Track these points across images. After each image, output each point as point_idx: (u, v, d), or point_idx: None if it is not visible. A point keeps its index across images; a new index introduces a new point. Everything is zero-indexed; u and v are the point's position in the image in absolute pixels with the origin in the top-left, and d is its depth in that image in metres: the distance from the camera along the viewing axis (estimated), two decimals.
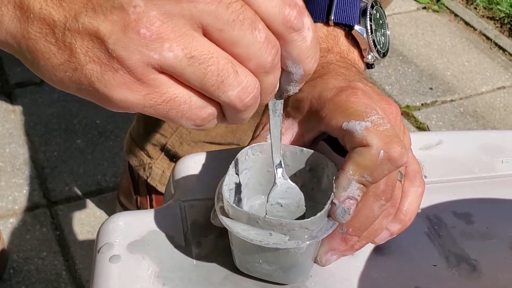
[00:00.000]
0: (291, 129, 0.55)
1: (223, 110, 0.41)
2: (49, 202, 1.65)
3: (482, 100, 2.22)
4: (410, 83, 2.25)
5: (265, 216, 0.47)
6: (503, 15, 2.64)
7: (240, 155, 0.53)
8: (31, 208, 1.63)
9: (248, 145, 0.55)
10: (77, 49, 0.37)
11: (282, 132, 0.53)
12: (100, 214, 1.64)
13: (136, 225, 0.57)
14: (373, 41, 0.64)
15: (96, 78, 0.37)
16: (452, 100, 2.20)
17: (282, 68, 0.42)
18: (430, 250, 0.58)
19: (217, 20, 0.37)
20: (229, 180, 0.51)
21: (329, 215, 0.49)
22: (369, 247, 0.57)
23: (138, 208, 1.45)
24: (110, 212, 1.61)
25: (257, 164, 0.54)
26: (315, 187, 0.54)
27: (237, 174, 0.53)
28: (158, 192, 1.37)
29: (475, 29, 2.58)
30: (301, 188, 0.53)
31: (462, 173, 0.67)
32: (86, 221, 1.62)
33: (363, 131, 0.48)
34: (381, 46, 0.66)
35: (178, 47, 0.37)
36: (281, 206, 0.51)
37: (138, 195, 1.44)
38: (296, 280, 0.53)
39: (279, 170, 0.50)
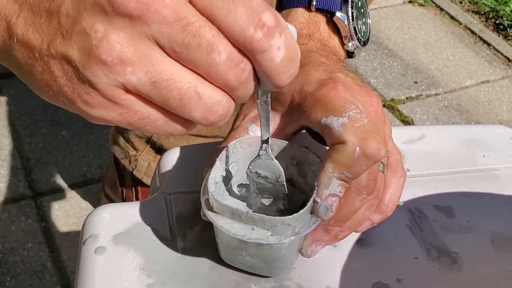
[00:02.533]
0: (272, 121, 0.55)
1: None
2: (34, 193, 1.65)
3: (466, 94, 2.23)
4: (395, 77, 2.26)
5: (247, 212, 0.48)
6: (488, 9, 2.65)
7: (228, 148, 0.53)
8: (16, 199, 1.63)
9: (228, 135, 0.56)
10: (55, 72, 0.38)
11: None
12: (86, 205, 1.64)
13: (121, 217, 0.58)
14: (354, 28, 0.64)
15: (74, 98, 0.39)
16: (436, 94, 2.21)
17: None
18: (411, 243, 0.59)
19: (173, 42, 0.37)
20: (215, 173, 0.52)
21: (312, 212, 0.50)
22: (352, 239, 0.58)
23: (123, 200, 1.45)
24: (96, 203, 1.61)
25: (245, 158, 0.54)
26: (301, 181, 0.55)
27: (225, 167, 0.53)
28: (143, 184, 1.37)
29: (460, 23, 2.59)
30: (288, 181, 0.53)
31: (444, 167, 0.68)
32: (71, 212, 1.62)
33: (340, 127, 0.49)
34: (362, 34, 0.66)
35: (141, 71, 0.37)
36: (260, 176, 0.52)
37: (123, 187, 1.44)
38: (279, 273, 0.54)
39: (264, 145, 0.50)
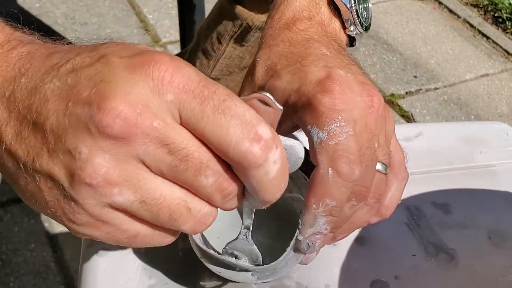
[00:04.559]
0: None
1: None
2: None
3: (465, 87, 2.24)
4: (394, 72, 2.27)
5: (228, 259, 0.48)
6: (487, 2, 2.66)
7: None
8: (18, 200, 1.63)
9: None
10: (41, 187, 0.37)
11: None
12: None
13: None
14: (356, 11, 0.62)
15: (60, 215, 0.38)
16: (436, 88, 2.22)
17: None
18: (409, 240, 0.60)
19: (159, 164, 0.36)
20: None
21: (295, 250, 0.49)
22: (350, 238, 0.59)
23: None
24: None
25: None
26: (296, 190, 0.54)
27: None
28: None
29: (459, 17, 2.59)
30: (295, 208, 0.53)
31: (441, 164, 0.68)
32: None
33: (317, 144, 0.47)
34: (364, 19, 0.64)
35: (129, 191, 0.36)
36: (235, 258, 0.49)
37: None
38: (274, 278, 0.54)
39: (245, 231, 0.48)
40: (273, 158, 0.37)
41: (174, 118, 0.36)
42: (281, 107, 0.41)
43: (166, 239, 0.41)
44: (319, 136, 0.47)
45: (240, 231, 0.48)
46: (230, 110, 0.36)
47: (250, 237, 0.48)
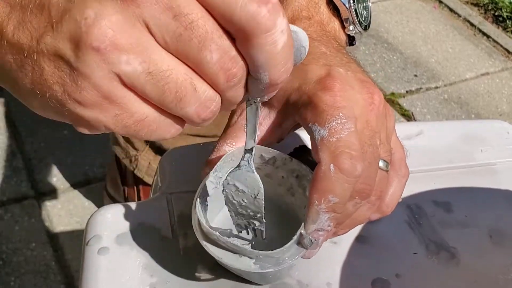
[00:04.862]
0: (268, 118, 0.54)
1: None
2: (37, 193, 1.66)
3: (466, 86, 2.24)
4: (395, 71, 2.27)
5: (232, 242, 0.47)
6: (487, 1, 2.66)
7: (225, 157, 0.51)
8: (19, 199, 1.64)
9: (224, 132, 0.53)
10: (45, 70, 0.36)
11: (260, 121, 0.52)
12: (88, 204, 1.65)
13: (124, 218, 0.58)
14: (355, 11, 0.62)
15: (65, 98, 0.36)
16: (436, 87, 2.22)
17: (248, 73, 0.39)
18: (410, 239, 0.60)
19: (164, 31, 0.35)
20: (205, 190, 0.50)
21: (299, 243, 0.49)
22: (351, 236, 0.59)
23: (125, 199, 1.46)
24: (98, 202, 1.62)
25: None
26: (301, 191, 0.54)
27: (221, 176, 0.51)
28: (145, 183, 1.38)
29: (459, 16, 2.60)
30: (287, 191, 0.53)
31: (442, 163, 0.68)
32: (74, 211, 1.63)
33: (318, 141, 0.47)
34: (363, 18, 0.64)
35: (136, 61, 0.35)
36: (237, 189, 0.48)
37: (125, 186, 1.45)
38: (275, 281, 0.54)
39: (247, 155, 0.47)
40: (280, 26, 0.35)
41: None
42: None
43: (171, 128, 0.40)
44: (320, 133, 0.47)
45: (243, 156, 0.47)
46: None
47: (252, 162, 0.47)
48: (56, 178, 1.71)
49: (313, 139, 0.48)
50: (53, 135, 1.81)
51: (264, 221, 0.50)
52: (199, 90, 0.37)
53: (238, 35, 0.36)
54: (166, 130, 0.40)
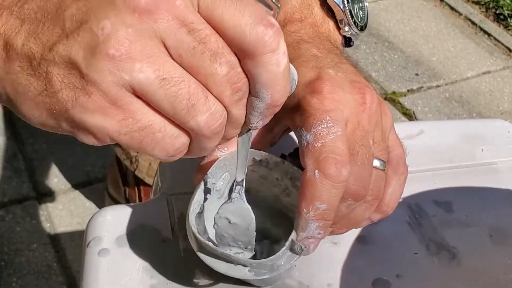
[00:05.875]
0: None
1: (190, 139, 0.41)
2: (38, 194, 1.66)
3: (467, 85, 2.23)
4: (396, 69, 2.27)
5: (224, 252, 0.46)
6: None
7: (218, 163, 0.50)
8: (20, 200, 1.64)
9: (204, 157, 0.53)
10: (53, 77, 0.37)
11: None
12: (90, 205, 1.65)
13: (124, 219, 0.58)
14: (350, 11, 0.61)
15: (70, 104, 0.37)
16: (437, 86, 2.22)
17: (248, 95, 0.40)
18: (411, 239, 0.59)
19: (179, 45, 0.37)
20: (199, 197, 0.50)
21: (291, 249, 0.48)
22: (352, 236, 0.59)
23: (126, 199, 1.46)
24: (99, 203, 1.62)
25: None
26: (295, 192, 0.53)
27: (214, 182, 0.51)
28: (146, 184, 1.38)
29: (460, 14, 2.59)
30: (282, 192, 0.53)
31: (443, 162, 0.68)
32: (75, 212, 1.63)
33: (304, 147, 0.47)
34: (359, 19, 0.63)
35: (149, 69, 0.36)
36: (229, 222, 0.49)
37: (126, 186, 1.45)
38: (275, 283, 0.54)
39: (238, 187, 0.48)
40: (283, 48, 0.38)
41: (193, 4, 0.37)
42: (279, 5, 0.43)
43: (175, 140, 0.40)
44: (306, 138, 0.47)
45: (233, 189, 0.47)
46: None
47: (243, 194, 0.47)
48: (57, 179, 1.71)
49: (300, 144, 0.47)
50: (54, 136, 1.81)
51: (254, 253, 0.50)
52: (210, 100, 0.38)
53: (244, 55, 0.38)
54: (170, 143, 0.40)
